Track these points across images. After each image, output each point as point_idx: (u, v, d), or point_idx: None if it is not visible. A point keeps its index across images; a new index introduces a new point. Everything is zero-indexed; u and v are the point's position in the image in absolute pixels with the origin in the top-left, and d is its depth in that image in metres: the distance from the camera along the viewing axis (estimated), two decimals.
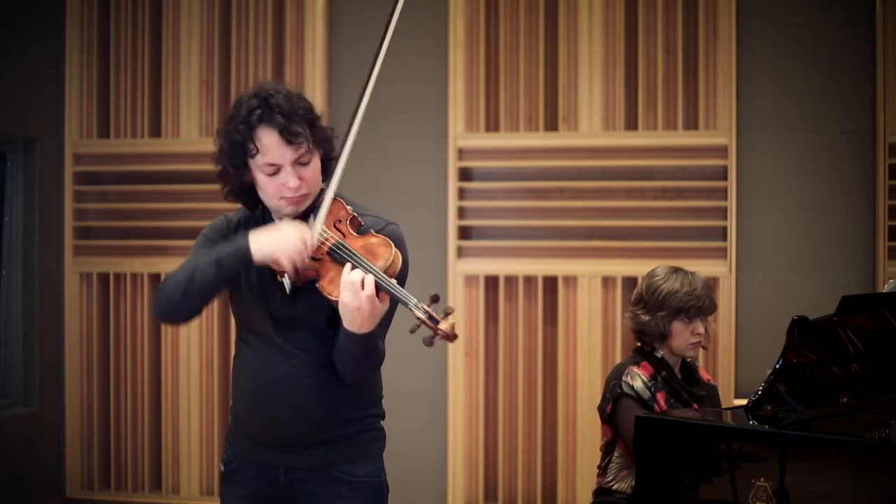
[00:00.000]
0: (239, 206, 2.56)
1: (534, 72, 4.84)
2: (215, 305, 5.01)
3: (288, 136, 2.36)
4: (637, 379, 3.19)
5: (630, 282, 4.67)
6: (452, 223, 4.84)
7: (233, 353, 5.04)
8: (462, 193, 4.89)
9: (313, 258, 2.35)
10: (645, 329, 3.29)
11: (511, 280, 4.84)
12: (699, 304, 3.24)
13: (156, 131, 5.15)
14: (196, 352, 5.06)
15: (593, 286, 4.76)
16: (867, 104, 4.63)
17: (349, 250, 2.34)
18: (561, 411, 4.80)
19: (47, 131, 5.17)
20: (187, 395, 5.07)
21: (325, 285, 2.34)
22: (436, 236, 4.89)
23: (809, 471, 2.54)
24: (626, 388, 3.18)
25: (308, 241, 2.31)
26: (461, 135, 4.87)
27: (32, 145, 5.11)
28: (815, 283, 4.65)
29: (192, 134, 5.09)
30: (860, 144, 4.65)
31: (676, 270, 3.31)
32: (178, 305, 2.39)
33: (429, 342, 2.22)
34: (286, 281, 2.37)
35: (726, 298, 4.66)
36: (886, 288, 3.42)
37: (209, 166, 5.57)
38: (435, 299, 2.23)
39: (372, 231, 2.44)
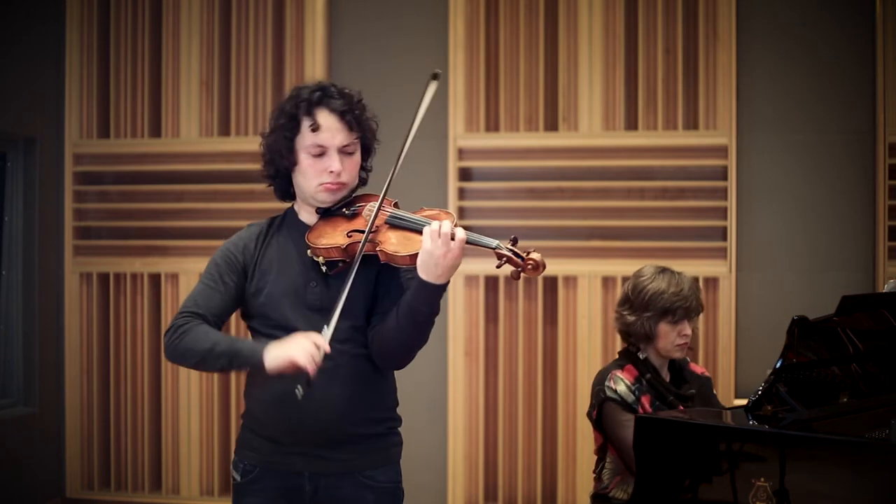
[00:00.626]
0: (250, 221, 2.64)
1: (534, 72, 4.84)
2: None
3: (342, 120, 2.48)
4: (620, 383, 3.15)
5: None
6: None
7: None
8: (462, 193, 4.89)
9: (371, 231, 2.41)
10: (631, 330, 3.23)
11: (511, 280, 4.83)
12: (686, 305, 3.17)
13: (156, 131, 5.15)
14: None
15: (593, 286, 4.76)
16: (867, 104, 4.63)
17: (411, 215, 2.45)
18: (561, 411, 4.80)
19: (47, 131, 5.16)
20: (187, 395, 5.07)
21: (387, 249, 2.39)
22: None
23: (809, 471, 2.53)
24: (609, 393, 3.14)
25: (321, 344, 2.31)
26: (461, 135, 4.87)
27: (32, 145, 5.11)
28: (815, 283, 4.65)
29: (192, 134, 5.09)
30: (860, 144, 4.65)
31: (663, 270, 3.24)
32: (188, 367, 2.51)
33: (516, 276, 2.35)
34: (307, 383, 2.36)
35: (726, 298, 4.66)
36: (886, 288, 3.41)
37: (209, 166, 5.61)
38: (515, 241, 2.36)
39: (423, 207, 2.54)
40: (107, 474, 5.19)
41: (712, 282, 4.68)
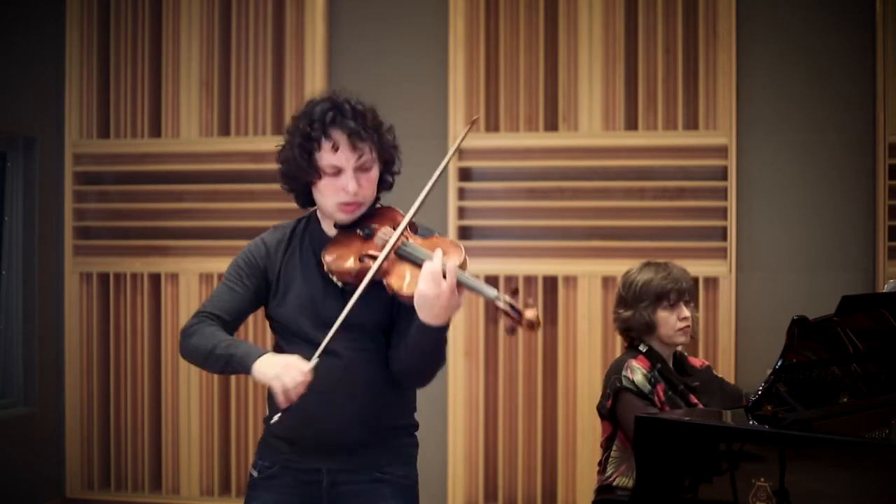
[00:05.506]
0: (273, 224, 2.65)
1: (534, 72, 4.84)
2: None
3: (355, 141, 2.45)
4: (637, 372, 3.18)
5: None
6: (452, 223, 4.84)
7: None
8: (462, 193, 4.89)
9: (381, 261, 2.39)
10: (630, 324, 3.28)
11: (511, 280, 4.84)
12: (678, 287, 3.24)
13: (156, 131, 5.15)
14: None
15: (593, 286, 4.76)
16: (867, 104, 4.63)
17: (419, 248, 2.42)
18: (561, 411, 4.80)
19: (47, 131, 5.16)
20: (187, 395, 5.07)
21: (393, 282, 2.38)
22: None
23: (809, 471, 2.54)
24: (626, 382, 3.17)
25: (305, 377, 2.31)
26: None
27: (32, 145, 5.11)
28: (815, 283, 4.65)
29: (192, 134, 5.09)
30: (860, 144, 4.65)
31: (649, 263, 3.33)
32: (197, 366, 2.53)
33: (511, 331, 2.31)
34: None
35: (726, 298, 4.66)
36: (886, 288, 3.42)
37: (209, 166, 5.61)
38: (515, 292, 2.32)
39: (435, 234, 2.54)
40: (107, 474, 5.19)
41: (712, 282, 4.68)
